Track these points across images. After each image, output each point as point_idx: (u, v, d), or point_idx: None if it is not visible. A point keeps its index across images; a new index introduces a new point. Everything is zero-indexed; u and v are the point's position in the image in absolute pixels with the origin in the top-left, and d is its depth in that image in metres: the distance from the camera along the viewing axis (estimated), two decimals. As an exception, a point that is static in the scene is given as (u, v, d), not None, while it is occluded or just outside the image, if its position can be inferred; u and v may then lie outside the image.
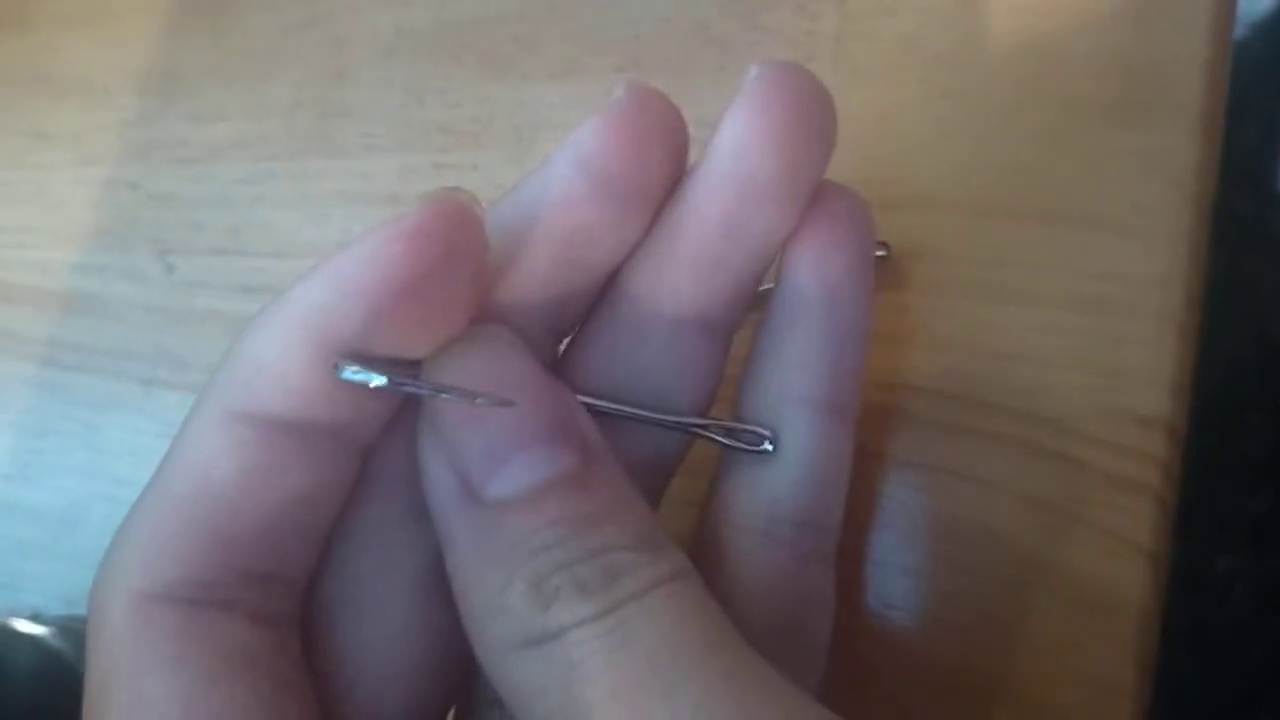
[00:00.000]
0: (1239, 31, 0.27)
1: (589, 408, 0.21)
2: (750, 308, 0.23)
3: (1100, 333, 0.25)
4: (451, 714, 0.23)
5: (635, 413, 0.22)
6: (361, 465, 0.21)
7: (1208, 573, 0.64)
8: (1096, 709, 0.24)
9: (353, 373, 0.18)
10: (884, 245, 0.27)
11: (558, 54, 0.33)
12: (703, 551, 0.22)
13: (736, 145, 0.21)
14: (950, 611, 0.26)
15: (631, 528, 0.19)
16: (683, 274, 0.21)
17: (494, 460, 0.19)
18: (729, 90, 0.30)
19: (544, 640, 0.18)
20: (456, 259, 0.19)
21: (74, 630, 0.33)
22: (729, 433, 0.22)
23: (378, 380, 0.18)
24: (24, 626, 0.33)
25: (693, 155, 0.30)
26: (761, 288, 0.23)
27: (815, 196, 0.22)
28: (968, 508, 0.26)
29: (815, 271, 0.22)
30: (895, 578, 0.26)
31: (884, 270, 0.27)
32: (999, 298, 0.26)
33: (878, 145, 0.28)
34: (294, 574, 0.20)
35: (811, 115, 0.21)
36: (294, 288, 0.20)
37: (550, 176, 0.21)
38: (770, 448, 0.22)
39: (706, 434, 0.22)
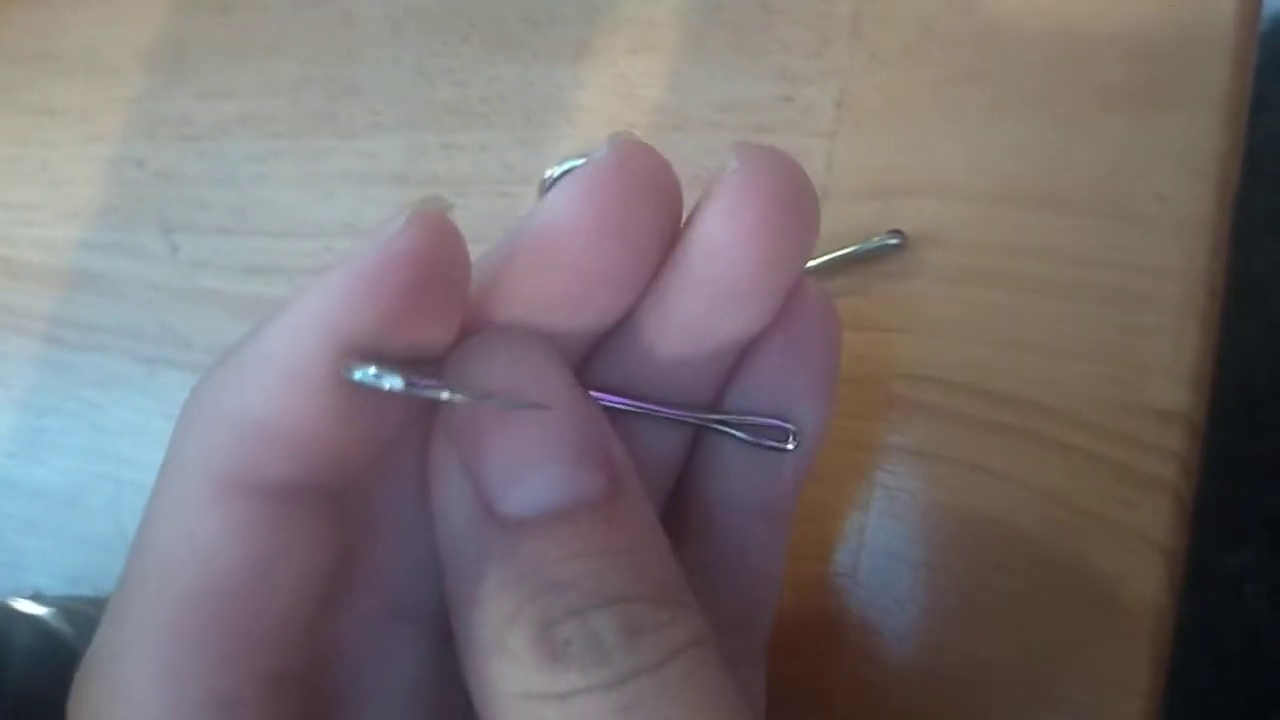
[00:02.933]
0: (1262, 24, 0.26)
1: (608, 406, 0.20)
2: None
3: (1119, 324, 0.25)
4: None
5: (657, 409, 0.20)
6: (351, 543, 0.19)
7: (1220, 570, 0.63)
8: (1110, 707, 0.24)
9: (365, 374, 0.16)
10: (898, 233, 0.26)
11: (569, 34, 0.32)
12: (683, 523, 0.21)
13: (711, 245, 0.19)
14: (961, 606, 0.25)
15: (654, 574, 0.17)
16: (650, 370, 0.20)
17: (514, 474, 0.17)
18: (743, 75, 0.30)
19: (548, 698, 0.16)
20: (449, 262, 0.18)
21: (75, 611, 0.33)
22: (750, 429, 0.22)
23: (392, 381, 0.16)
24: (25, 607, 0.33)
25: (704, 141, 0.30)
26: None
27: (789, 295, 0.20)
28: (980, 501, 0.26)
29: (776, 386, 0.21)
30: (906, 571, 0.26)
31: (898, 258, 0.27)
32: (1014, 287, 0.26)
33: (893, 129, 0.28)
34: (301, 670, 0.18)
35: (793, 211, 0.19)
36: (271, 319, 0.17)
37: (537, 227, 0.19)
38: (792, 446, 0.21)
39: (729, 430, 0.21)
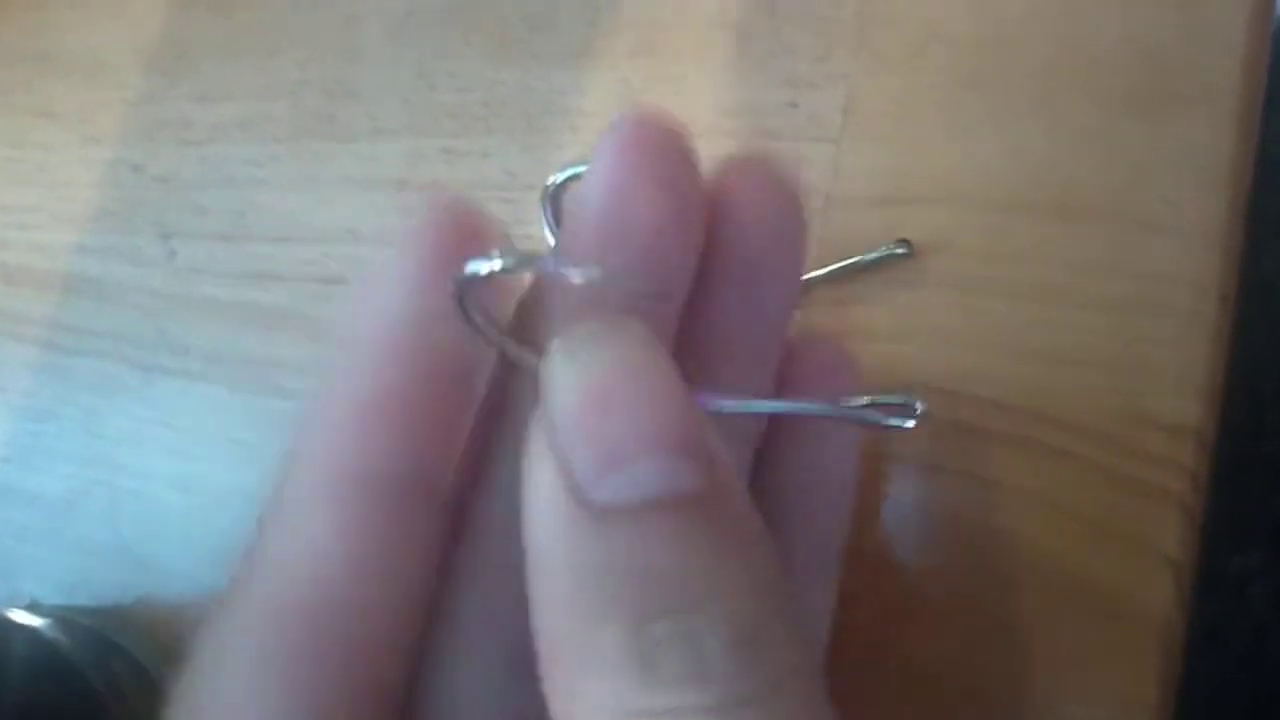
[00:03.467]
0: (1275, 29, 0.26)
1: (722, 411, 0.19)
2: None
3: (1128, 333, 0.25)
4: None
5: (783, 406, 0.21)
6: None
7: (1226, 572, 0.63)
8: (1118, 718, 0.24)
9: (476, 264, 0.17)
10: (905, 243, 0.26)
11: (571, 38, 0.32)
12: None
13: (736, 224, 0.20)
14: (967, 618, 0.25)
15: (765, 580, 0.16)
16: (721, 369, 0.21)
17: (611, 460, 0.16)
18: (748, 80, 0.30)
19: (638, 715, 0.14)
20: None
21: (71, 622, 0.33)
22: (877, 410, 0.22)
23: (502, 262, 0.17)
24: (20, 617, 0.33)
25: (709, 146, 0.30)
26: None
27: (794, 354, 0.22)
28: (986, 512, 0.25)
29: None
30: (912, 581, 0.26)
31: (904, 267, 0.27)
32: (1023, 295, 0.26)
33: (898, 135, 0.27)
34: (401, 684, 0.18)
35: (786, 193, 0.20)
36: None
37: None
38: (913, 423, 0.21)
39: (863, 417, 0.21)
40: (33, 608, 0.34)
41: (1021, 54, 0.27)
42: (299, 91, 0.36)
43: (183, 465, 0.35)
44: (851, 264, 0.26)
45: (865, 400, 0.21)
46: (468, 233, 0.19)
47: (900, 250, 0.26)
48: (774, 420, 0.22)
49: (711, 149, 0.29)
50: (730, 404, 0.20)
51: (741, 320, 0.20)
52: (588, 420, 0.16)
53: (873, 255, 0.26)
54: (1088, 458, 0.24)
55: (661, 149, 0.19)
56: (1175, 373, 0.24)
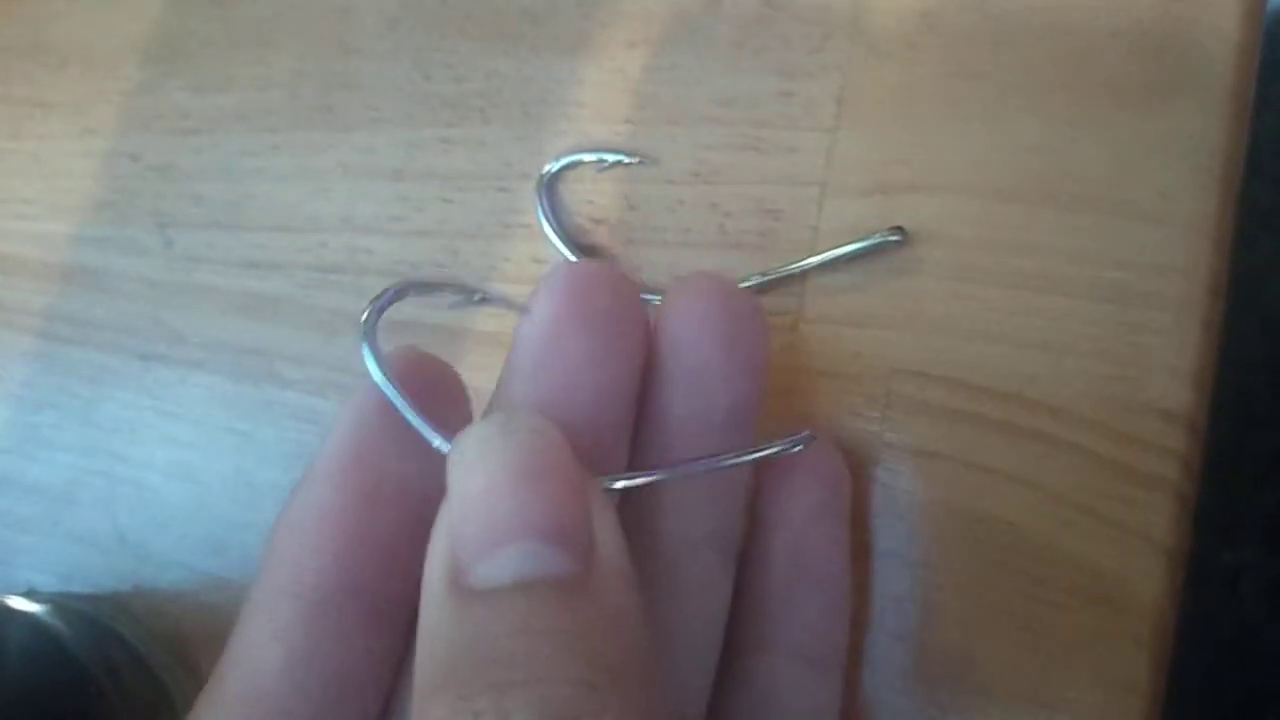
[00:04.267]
0: (1266, 22, 0.26)
1: (629, 482, 0.21)
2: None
3: (1120, 322, 0.25)
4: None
5: (680, 468, 0.22)
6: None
7: (1217, 566, 0.63)
8: (1110, 707, 0.24)
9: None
10: (899, 230, 0.26)
11: (567, 28, 0.32)
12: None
13: (674, 339, 0.22)
14: (961, 605, 0.25)
15: (603, 659, 0.16)
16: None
17: (490, 542, 0.17)
18: (743, 69, 0.30)
19: None
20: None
21: (68, 608, 0.33)
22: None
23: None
24: (18, 604, 0.33)
25: (703, 136, 0.30)
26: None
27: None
28: (981, 499, 0.25)
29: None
30: (905, 569, 0.26)
31: (898, 255, 0.27)
32: (1016, 284, 0.26)
33: (894, 125, 0.28)
34: None
35: (740, 312, 0.22)
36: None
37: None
38: (801, 447, 0.22)
39: (757, 456, 0.22)
40: (31, 595, 0.34)
41: (1016, 45, 0.27)
42: (296, 82, 0.36)
43: (180, 454, 0.35)
44: (846, 251, 0.27)
45: (766, 447, 0.22)
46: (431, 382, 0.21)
47: (894, 238, 0.26)
48: (756, 521, 0.24)
49: (707, 138, 0.30)
50: (621, 482, 0.21)
51: (687, 423, 0.22)
52: (476, 505, 0.18)
53: (867, 242, 0.26)
54: (1080, 445, 0.25)
55: (591, 292, 0.21)
56: (1167, 361, 0.24)
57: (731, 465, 0.22)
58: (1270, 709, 0.61)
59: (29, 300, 0.39)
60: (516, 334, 0.21)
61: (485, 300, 0.22)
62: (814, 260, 0.27)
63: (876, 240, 0.26)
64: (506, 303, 0.21)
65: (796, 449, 0.22)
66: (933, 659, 0.25)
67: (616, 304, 0.21)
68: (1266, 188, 0.61)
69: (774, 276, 0.27)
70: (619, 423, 0.22)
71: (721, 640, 0.24)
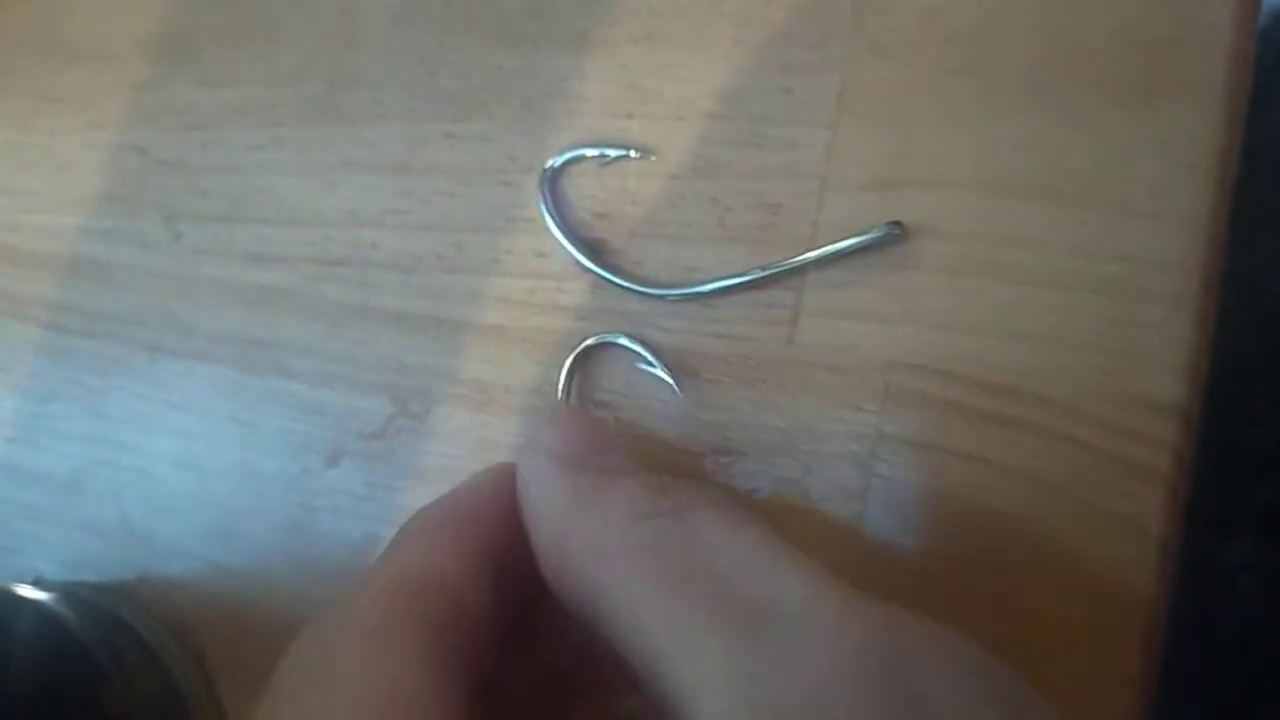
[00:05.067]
0: (1263, 20, 0.26)
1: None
2: None
3: (1115, 316, 0.25)
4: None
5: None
6: None
7: (1213, 564, 0.64)
8: (1103, 699, 0.24)
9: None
10: (897, 224, 0.26)
11: (570, 24, 0.33)
12: None
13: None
14: (956, 595, 0.26)
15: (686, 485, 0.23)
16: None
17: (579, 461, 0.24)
18: (744, 65, 0.30)
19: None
20: None
21: (75, 596, 0.33)
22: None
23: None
24: (27, 592, 0.33)
25: (705, 131, 0.30)
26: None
27: None
28: (976, 491, 0.26)
29: None
30: (899, 558, 0.26)
31: (896, 249, 0.27)
32: (1012, 278, 0.26)
33: (892, 121, 0.28)
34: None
35: None
36: None
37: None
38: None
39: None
40: (39, 583, 0.34)
41: (1014, 43, 0.27)
42: (302, 77, 0.36)
43: (186, 444, 0.35)
44: (845, 246, 0.27)
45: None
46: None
47: (894, 231, 0.26)
48: None
49: (708, 133, 0.30)
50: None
51: None
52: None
53: (866, 236, 0.27)
54: (1075, 437, 0.25)
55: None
56: (1161, 355, 0.25)
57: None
58: (1268, 704, 0.62)
59: (37, 292, 0.39)
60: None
61: None
62: (813, 255, 0.27)
63: (876, 234, 0.27)
64: None
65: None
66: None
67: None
68: (1265, 186, 0.62)
69: (773, 271, 0.28)
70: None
71: None
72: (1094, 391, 0.25)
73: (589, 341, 0.30)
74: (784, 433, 0.28)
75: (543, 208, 0.31)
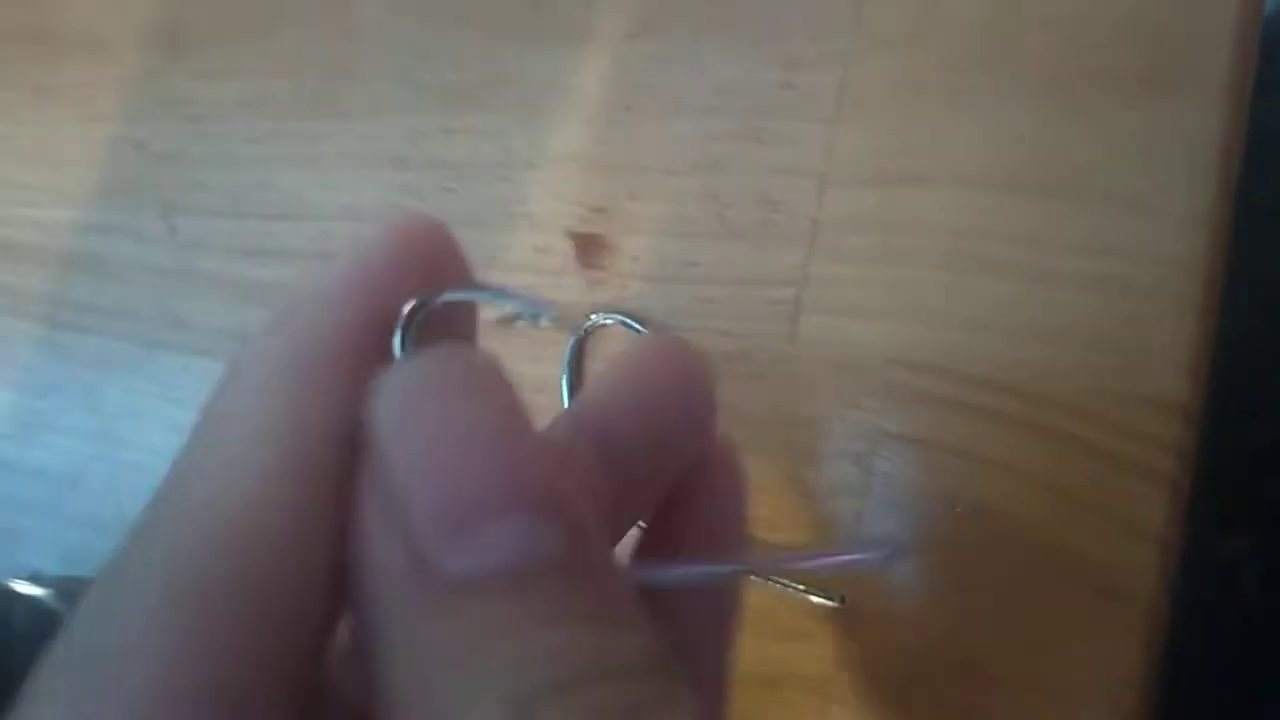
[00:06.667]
0: (1266, 15, 0.26)
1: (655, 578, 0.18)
2: None
3: (1117, 313, 0.25)
4: None
5: (719, 569, 0.18)
6: None
7: (1215, 558, 0.63)
8: (1104, 695, 0.24)
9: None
10: (840, 597, 0.26)
11: (568, 17, 0.32)
12: None
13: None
14: (956, 593, 0.25)
15: (639, 639, 0.14)
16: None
17: (458, 526, 0.14)
18: (743, 58, 0.30)
19: None
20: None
21: (72, 592, 0.33)
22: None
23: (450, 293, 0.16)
24: (23, 587, 0.33)
25: (704, 126, 0.30)
26: None
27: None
28: (976, 488, 0.26)
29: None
30: (903, 558, 0.26)
31: (896, 246, 0.27)
32: (1014, 274, 0.26)
33: (894, 117, 0.28)
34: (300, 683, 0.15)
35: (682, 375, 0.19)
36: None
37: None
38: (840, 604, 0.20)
39: (829, 562, 0.21)
40: (35, 578, 0.34)
41: (1016, 38, 0.27)
42: (299, 71, 0.36)
43: (183, 439, 0.35)
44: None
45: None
46: (428, 253, 0.17)
47: (833, 604, 0.26)
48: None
49: (708, 128, 0.30)
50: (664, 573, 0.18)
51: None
52: (428, 473, 0.14)
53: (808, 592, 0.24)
54: (1076, 435, 0.25)
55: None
56: (1163, 351, 0.24)
57: (804, 567, 0.20)
58: (1270, 701, 0.61)
59: (33, 286, 0.39)
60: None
61: (536, 319, 0.18)
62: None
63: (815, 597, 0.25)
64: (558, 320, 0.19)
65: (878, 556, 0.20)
66: (927, 645, 0.26)
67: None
68: (1269, 182, 0.61)
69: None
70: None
71: None
72: (1095, 389, 0.25)
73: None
74: (784, 429, 0.28)
75: (563, 377, 0.30)
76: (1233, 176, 0.25)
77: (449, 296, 0.16)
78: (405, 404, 0.14)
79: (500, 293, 0.18)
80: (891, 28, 0.28)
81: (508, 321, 0.28)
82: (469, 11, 0.34)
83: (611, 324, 0.29)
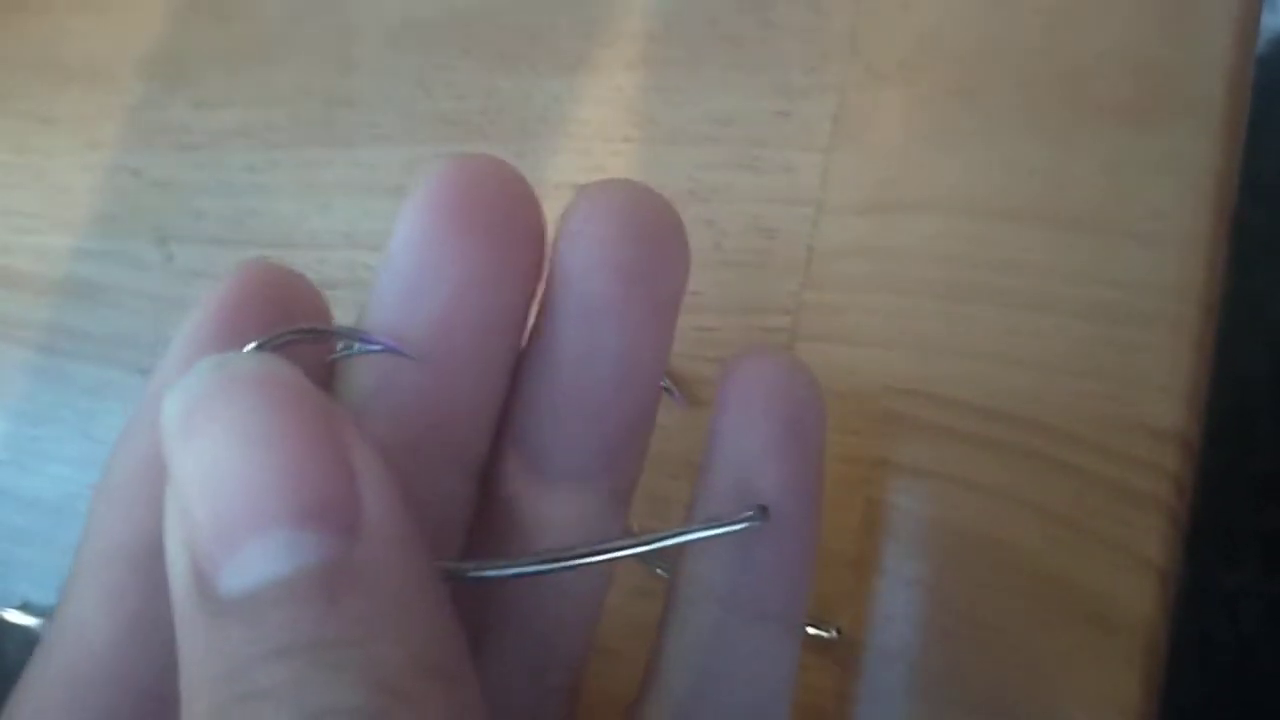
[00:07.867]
0: (1261, 46, 0.26)
1: (498, 572, 0.17)
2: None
3: (1114, 341, 0.25)
4: None
5: (592, 554, 0.17)
6: None
7: (1215, 589, 0.63)
8: (1102, 726, 0.24)
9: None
10: (835, 629, 0.25)
11: (567, 47, 0.32)
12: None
13: (568, 269, 0.17)
14: (953, 622, 0.25)
15: (386, 662, 0.13)
16: (560, 447, 0.19)
17: (229, 542, 0.13)
18: (740, 87, 0.30)
19: None
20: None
21: (64, 621, 0.33)
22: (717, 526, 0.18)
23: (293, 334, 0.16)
24: (14, 617, 0.33)
25: (700, 155, 0.30)
26: None
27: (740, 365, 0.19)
28: (974, 517, 0.25)
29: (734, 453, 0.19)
30: (898, 587, 0.26)
31: (892, 273, 0.27)
32: (1010, 303, 0.26)
33: (889, 145, 0.28)
34: None
35: (646, 224, 0.18)
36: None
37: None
38: (751, 524, 0.18)
39: (694, 538, 0.18)
40: (26, 608, 0.34)
41: (1011, 66, 0.27)
42: (297, 99, 0.36)
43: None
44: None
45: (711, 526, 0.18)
46: (280, 297, 0.18)
47: (827, 635, 0.25)
48: (704, 453, 0.20)
49: (704, 157, 0.30)
50: (490, 571, 0.17)
51: (572, 369, 0.18)
52: (201, 489, 0.14)
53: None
54: (1073, 463, 0.25)
55: (477, 194, 0.17)
56: (1160, 379, 0.24)
57: (628, 555, 0.17)
58: (1268, 732, 0.61)
59: (29, 313, 0.39)
60: (387, 253, 0.18)
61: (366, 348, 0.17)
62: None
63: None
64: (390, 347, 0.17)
65: (742, 527, 0.18)
66: (925, 678, 0.25)
67: (509, 208, 0.17)
68: (1266, 210, 0.62)
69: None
70: (505, 356, 0.18)
71: None
72: (1092, 417, 0.25)
73: None
74: (780, 458, 0.27)
75: None
76: (1230, 204, 0.25)
77: (289, 337, 0.17)
78: (184, 414, 0.14)
79: (351, 332, 0.17)
80: (887, 58, 0.28)
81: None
82: (468, 42, 0.34)
83: None
